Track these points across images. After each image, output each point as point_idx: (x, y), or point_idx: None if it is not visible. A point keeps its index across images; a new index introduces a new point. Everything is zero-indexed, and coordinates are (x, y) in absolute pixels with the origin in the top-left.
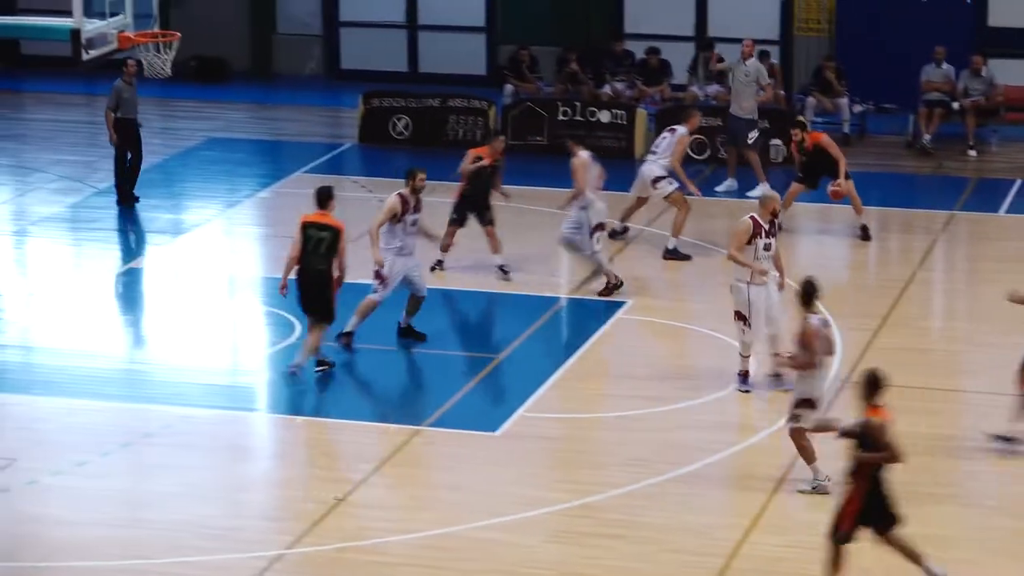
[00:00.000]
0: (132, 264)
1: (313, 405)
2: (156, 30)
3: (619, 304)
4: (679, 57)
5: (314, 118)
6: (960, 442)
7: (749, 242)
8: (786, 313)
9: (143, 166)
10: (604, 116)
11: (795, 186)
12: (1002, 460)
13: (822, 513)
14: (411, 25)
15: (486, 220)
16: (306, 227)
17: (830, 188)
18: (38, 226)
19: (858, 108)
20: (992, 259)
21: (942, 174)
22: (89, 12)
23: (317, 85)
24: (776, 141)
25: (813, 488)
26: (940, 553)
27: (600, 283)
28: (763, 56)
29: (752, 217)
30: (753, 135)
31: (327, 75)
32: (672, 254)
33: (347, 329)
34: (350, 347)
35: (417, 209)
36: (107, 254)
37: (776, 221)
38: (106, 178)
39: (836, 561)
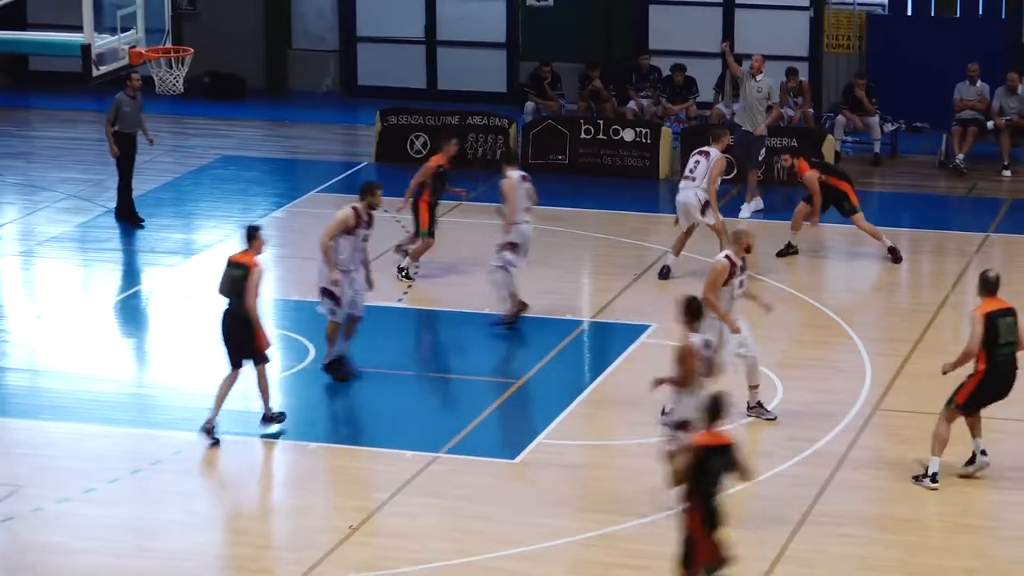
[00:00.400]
0: (142, 285)
1: (327, 431)
2: (168, 46)
3: (642, 328)
4: (705, 74)
5: (330, 136)
6: (993, 471)
7: (725, 283)
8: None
9: (151, 186)
10: (628, 135)
11: (802, 206)
12: None
13: (851, 546)
14: (429, 41)
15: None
16: (227, 264)
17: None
18: (45, 246)
19: (889, 127)
20: None
21: (976, 195)
22: (100, 27)
23: (333, 102)
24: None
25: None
26: None
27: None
28: (791, 73)
29: (728, 256)
30: (763, 153)
31: (343, 92)
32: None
33: (327, 360)
34: (343, 377)
35: (369, 225)
36: (116, 275)
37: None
38: (115, 197)
39: None
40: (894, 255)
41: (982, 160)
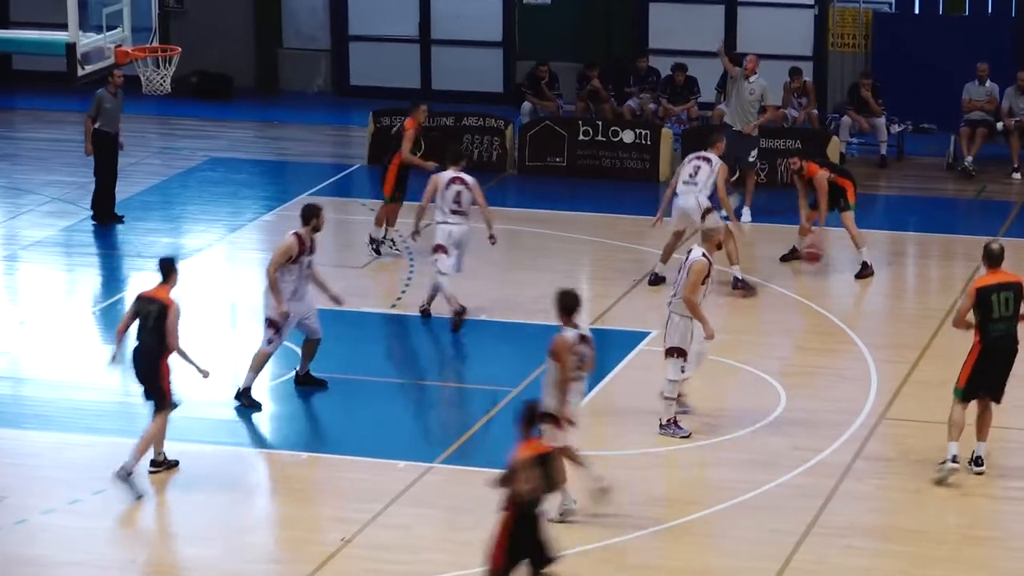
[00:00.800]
0: (129, 291)
1: (320, 441)
2: (155, 44)
3: (642, 335)
4: (707, 74)
5: (321, 137)
6: (1004, 481)
7: (703, 282)
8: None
9: (137, 189)
10: (627, 136)
11: (807, 212)
12: None
13: (856, 557)
14: (424, 40)
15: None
16: (137, 300)
17: (804, 250)
18: (30, 250)
19: (896, 128)
20: None
21: (985, 198)
22: (85, 26)
23: (325, 102)
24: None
25: (560, 515)
26: None
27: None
28: (795, 73)
29: (705, 255)
30: (754, 154)
31: (335, 92)
32: (742, 284)
33: (243, 385)
34: (253, 405)
35: (312, 250)
36: (102, 280)
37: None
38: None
39: None
40: (863, 268)
41: (991, 162)
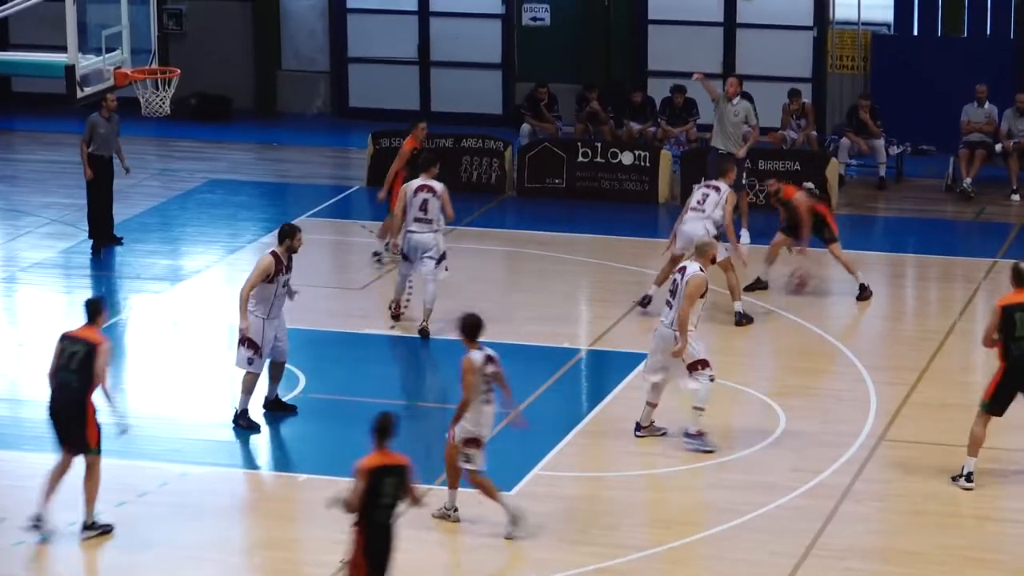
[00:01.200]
0: (127, 313)
1: (317, 462)
2: (155, 66)
3: (641, 356)
4: (706, 96)
5: (321, 159)
6: (1004, 502)
7: (700, 296)
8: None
9: (136, 211)
10: (626, 158)
11: (780, 237)
12: None
13: None
14: (423, 61)
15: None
16: (61, 339)
17: (793, 277)
18: (28, 272)
19: (895, 150)
20: None
21: (984, 220)
22: (84, 48)
23: (324, 124)
24: (809, 184)
25: (511, 524)
26: None
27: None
28: (794, 95)
29: (702, 269)
30: (744, 176)
31: (334, 114)
32: (745, 318)
33: (240, 408)
34: (251, 427)
35: (288, 269)
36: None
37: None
38: (88, 225)
39: None
40: (862, 291)
41: (990, 184)
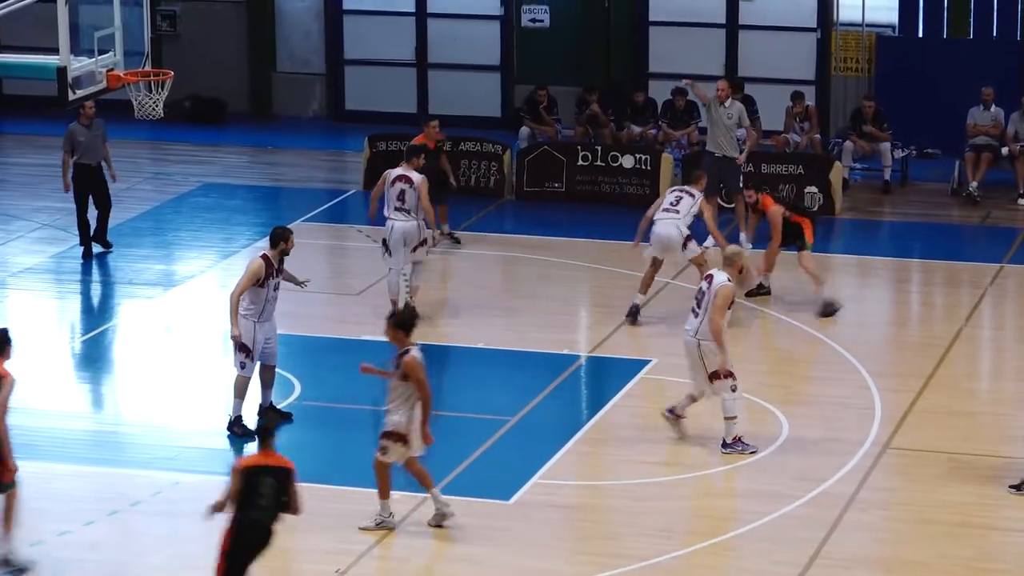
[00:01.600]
0: (120, 319)
1: (313, 471)
2: (148, 69)
3: (642, 363)
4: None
5: (316, 162)
6: (1009, 511)
7: (729, 307)
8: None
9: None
10: (627, 161)
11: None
12: None
13: None
14: (421, 63)
15: (440, 199)
16: None
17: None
18: (19, 278)
19: (900, 153)
20: None
21: (990, 224)
22: (76, 50)
23: (320, 127)
24: (812, 188)
25: (376, 524)
26: None
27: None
28: (797, 97)
29: (730, 280)
30: (741, 179)
31: (330, 117)
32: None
33: (234, 414)
34: (247, 433)
35: (279, 273)
36: (93, 307)
37: None
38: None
39: None
40: (826, 308)
41: (996, 188)
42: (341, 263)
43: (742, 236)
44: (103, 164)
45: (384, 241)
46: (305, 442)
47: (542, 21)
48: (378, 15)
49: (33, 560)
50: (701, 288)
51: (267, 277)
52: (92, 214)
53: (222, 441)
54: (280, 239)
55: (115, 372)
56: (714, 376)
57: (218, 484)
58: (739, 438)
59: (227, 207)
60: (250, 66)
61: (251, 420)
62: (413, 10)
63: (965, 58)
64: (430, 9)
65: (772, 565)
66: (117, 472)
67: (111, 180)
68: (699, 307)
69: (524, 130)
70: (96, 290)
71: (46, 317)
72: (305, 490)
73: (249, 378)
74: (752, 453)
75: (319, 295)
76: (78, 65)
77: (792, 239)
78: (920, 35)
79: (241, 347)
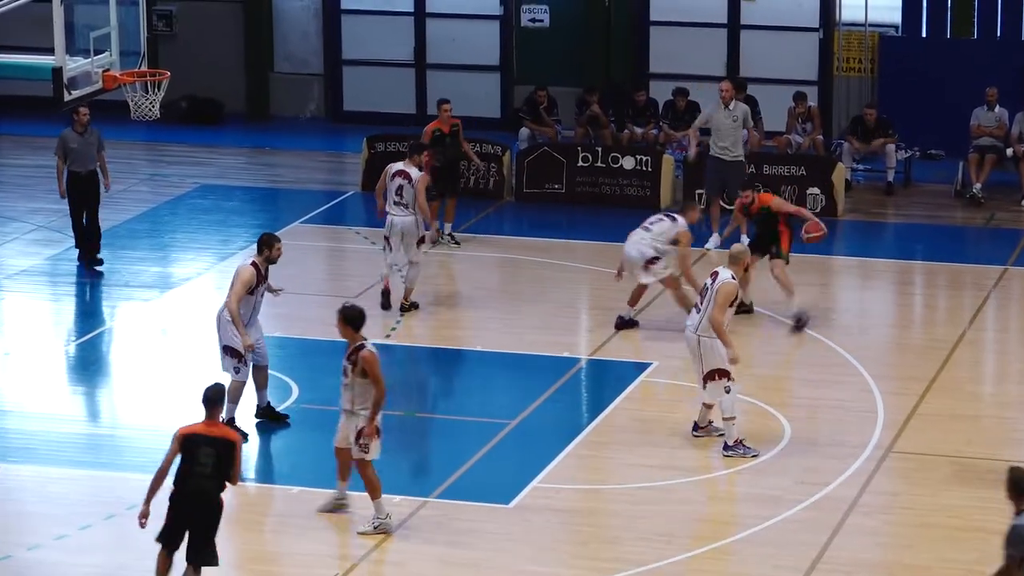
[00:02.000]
0: (116, 321)
1: (311, 475)
2: (144, 69)
3: (643, 366)
4: (709, 99)
5: (314, 163)
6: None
7: (731, 304)
8: None
9: (126, 217)
10: (628, 162)
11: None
12: None
13: None
14: (419, 64)
15: (451, 191)
16: None
17: (804, 234)
18: (14, 280)
19: (903, 154)
20: None
21: (994, 226)
22: (72, 50)
23: (317, 128)
24: (814, 189)
25: (375, 528)
26: None
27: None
28: (799, 98)
29: (734, 277)
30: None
31: (328, 117)
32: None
33: (226, 417)
34: (242, 435)
35: (266, 279)
36: (89, 310)
37: None
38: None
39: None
40: (797, 322)
41: (1000, 189)
42: (339, 265)
43: (743, 237)
44: (98, 174)
45: (386, 238)
46: (303, 445)
47: (542, 21)
48: (376, 15)
49: None
50: (706, 284)
51: (257, 284)
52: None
53: None
54: (267, 245)
55: (111, 375)
56: (708, 377)
57: None
58: (741, 441)
59: (224, 209)
60: (247, 66)
61: (248, 425)
62: (412, 10)
63: (969, 58)
64: (429, 9)
65: (773, 570)
66: (113, 476)
67: (105, 190)
68: (703, 303)
69: (524, 131)
70: (92, 292)
71: (42, 320)
72: (303, 494)
73: (244, 382)
74: (754, 457)
75: (317, 297)
76: (74, 65)
77: (768, 245)
78: (923, 35)
79: (234, 353)
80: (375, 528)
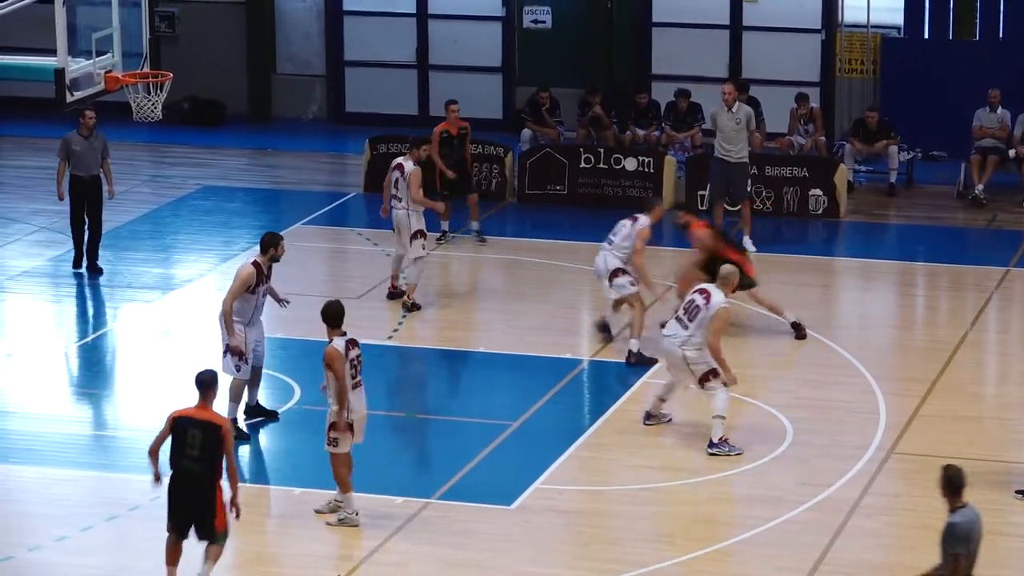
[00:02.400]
0: (118, 322)
1: (313, 476)
2: (146, 70)
3: (645, 367)
4: (711, 100)
5: (316, 165)
6: (1014, 517)
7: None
8: None
9: (128, 218)
10: (630, 164)
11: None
12: None
13: None
14: (421, 65)
15: (468, 188)
16: None
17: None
18: (16, 281)
19: (905, 156)
20: None
21: (996, 227)
22: (74, 51)
23: (320, 129)
24: (816, 190)
25: (339, 520)
26: None
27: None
28: (802, 99)
29: (727, 300)
30: (748, 183)
31: (330, 119)
32: (638, 357)
33: (230, 416)
34: (241, 436)
35: (268, 278)
36: (91, 311)
37: None
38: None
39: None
40: (797, 331)
41: (1002, 191)
42: (341, 266)
43: (747, 240)
44: (101, 179)
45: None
46: (305, 447)
47: (544, 22)
48: (379, 16)
49: None
50: (694, 301)
51: (257, 284)
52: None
53: None
54: (270, 245)
55: (113, 376)
56: (704, 379)
57: None
58: (725, 439)
59: (226, 210)
60: (249, 68)
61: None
62: (414, 11)
63: (971, 59)
64: (431, 10)
65: (775, 571)
66: (115, 477)
67: (108, 196)
68: (689, 319)
69: (526, 132)
70: (94, 294)
71: (44, 321)
72: (305, 495)
73: (246, 380)
74: (738, 455)
75: (319, 299)
76: (76, 67)
77: (714, 267)
78: (925, 36)
79: (236, 351)
80: (339, 520)
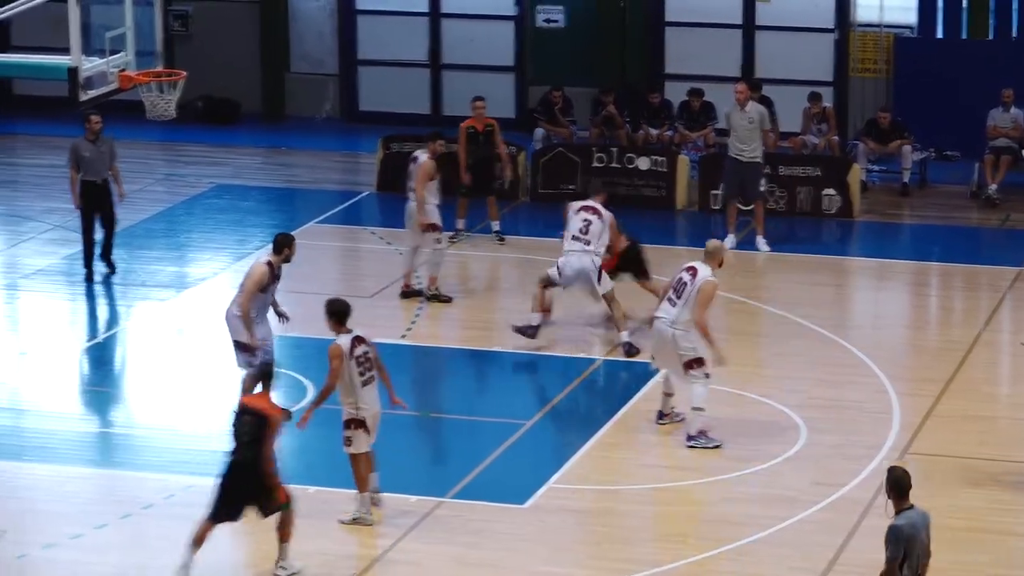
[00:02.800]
0: (132, 321)
1: (326, 474)
2: (160, 69)
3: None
4: (724, 99)
5: (330, 164)
6: None
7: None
8: None
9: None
10: (643, 163)
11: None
12: None
13: None
14: (434, 64)
15: (490, 189)
16: None
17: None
18: (31, 279)
19: (918, 155)
20: None
21: (1009, 227)
22: (88, 50)
23: (333, 128)
24: (830, 190)
25: (352, 519)
26: None
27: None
28: (815, 98)
29: (714, 275)
30: (763, 183)
31: (344, 117)
32: (629, 348)
33: None
34: None
35: (279, 278)
36: (105, 310)
37: None
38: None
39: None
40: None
41: (1016, 190)
42: (355, 265)
43: (759, 239)
44: (110, 181)
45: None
46: (317, 445)
47: (557, 21)
48: (392, 15)
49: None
50: (681, 279)
51: (269, 283)
52: (99, 231)
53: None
54: (283, 246)
55: (127, 375)
56: (688, 366)
57: None
58: (704, 431)
59: (240, 208)
60: (263, 66)
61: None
62: (427, 10)
63: (984, 59)
64: (444, 9)
65: (789, 571)
66: (129, 475)
67: (119, 198)
68: (677, 297)
69: (539, 131)
70: (108, 292)
71: (58, 319)
72: (319, 494)
73: (257, 376)
74: (716, 447)
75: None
76: (89, 65)
77: (629, 267)
78: (939, 36)
79: (245, 347)
80: (352, 519)
